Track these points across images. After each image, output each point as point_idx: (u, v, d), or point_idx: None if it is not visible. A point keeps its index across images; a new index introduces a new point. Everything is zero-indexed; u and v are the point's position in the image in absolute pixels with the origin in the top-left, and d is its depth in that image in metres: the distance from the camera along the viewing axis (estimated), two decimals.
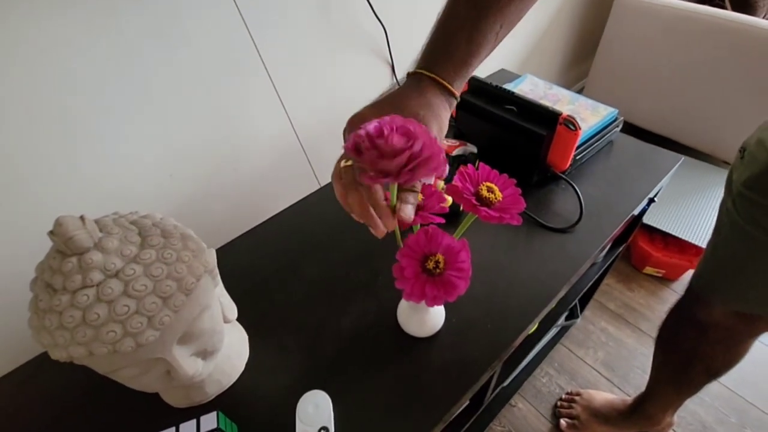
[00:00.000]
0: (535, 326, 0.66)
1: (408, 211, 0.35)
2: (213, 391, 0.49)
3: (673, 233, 1.23)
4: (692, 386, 0.81)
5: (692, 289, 0.70)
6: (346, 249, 0.66)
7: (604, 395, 1.06)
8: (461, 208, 0.37)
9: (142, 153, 0.68)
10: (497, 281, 0.60)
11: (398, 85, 0.54)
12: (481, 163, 0.40)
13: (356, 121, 0.40)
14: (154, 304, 0.34)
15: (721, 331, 0.67)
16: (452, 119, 0.90)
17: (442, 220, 0.37)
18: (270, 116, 0.82)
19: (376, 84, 0.99)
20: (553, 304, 0.59)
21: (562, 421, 1.04)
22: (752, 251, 0.55)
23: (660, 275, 1.34)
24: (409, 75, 0.43)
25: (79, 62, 0.55)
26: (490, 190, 0.38)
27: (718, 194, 1.35)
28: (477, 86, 0.76)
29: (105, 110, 0.60)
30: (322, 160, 0.96)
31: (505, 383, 0.87)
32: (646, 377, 1.12)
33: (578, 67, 1.80)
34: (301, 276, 0.63)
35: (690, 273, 1.30)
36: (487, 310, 0.57)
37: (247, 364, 0.53)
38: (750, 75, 1.26)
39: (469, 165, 0.40)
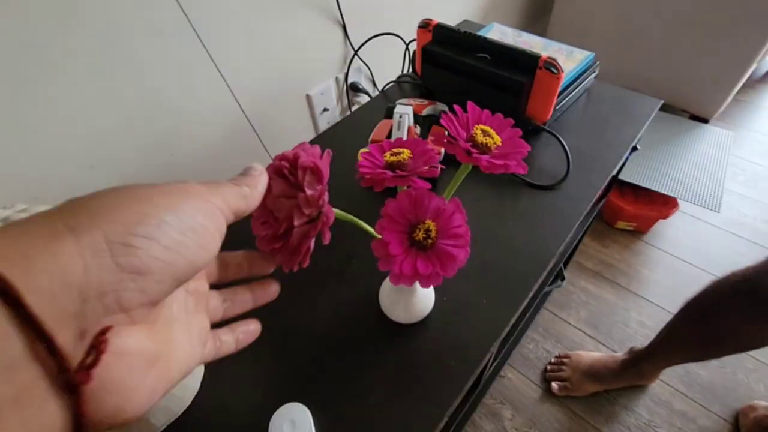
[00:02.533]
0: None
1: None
2: (161, 421, 0.40)
3: (645, 185, 1.22)
4: (710, 357, 0.79)
5: None
6: None
7: (592, 355, 1.04)
8: (457, 158, 0.29)
9: (53, 141, 0.55)
10: (487, 251, 0.53)
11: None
12: (470, 103, 0.32)
13: None
14: None
15: None
16: (416, 76, 0.82)
17: (428, 186, 0.29)
18: (207, 87, 0.70)
19: (325, 45, 0.88)
20: (549, 269, 0.53)
21: (554, 384, 1.02)
22: None
23: (631, 228, 1.34)
24: None
25: None
26: (486, 133, 0.30)
27: (683, 144, 1.35)
28: (443, 34, 0.67)
29: None
30: (273, 133, 0.85)
31: (498, 359, 0.82)
32: (629, 330, 1.13)
33: (540, 22, 1.75)
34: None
35: (661, 224, 1.31)
36: (479, 285, 0.50)
37: (202, 383, 0.43)
38: (712, 23, 1.25)
39: (455, 106, 0.32)
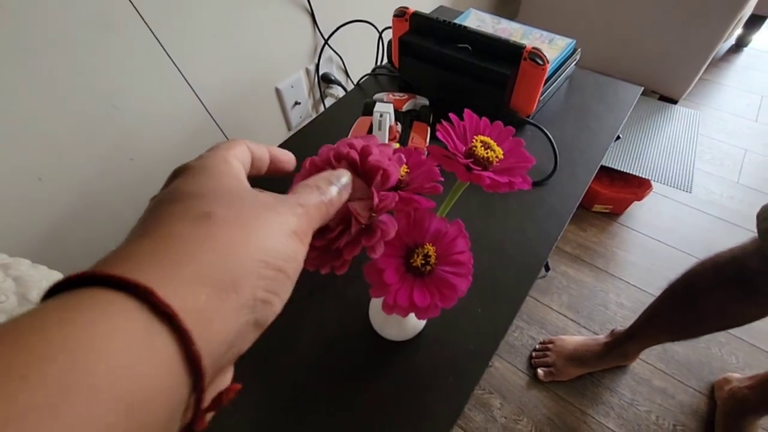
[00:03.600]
0: None
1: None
2: None
3: (620, 169, 1.24)
4: (693, 336, 0.80)
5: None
6: None
7: (575, 339, 1.06)
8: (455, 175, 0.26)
9: None
10: (479, 254, 0.51)
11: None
12: (468, 111, 0.28)
13: None
14: None
15: None
16: (395, 68, 0.78)
17: (433, 204, 0.26)
18: (164, 85, 0.64)
19: (293, 34, 0.82)
20: (542, 270, 0.52)
21: (539, 371, 1.04)
22: None
23: (608, 211, 1.36)
24: None
25: None
26: (486, 146, 0.27)
27: (654, 126, 1.37)
28: (420, 24, 0.63)
29: None
30: (242, 131, 0.79)
31: None
32: (608, 313, 1.15)
33: (513, 2, 1.72)
34: None
35: (635, 206, 1.34)
36: (474, 291, 0.47)
37: None
38: (680, 4, 1.25)
39: (450, 114, 0.28)
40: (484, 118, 0.29)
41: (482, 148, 0.26)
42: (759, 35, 1.95)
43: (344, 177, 0.20)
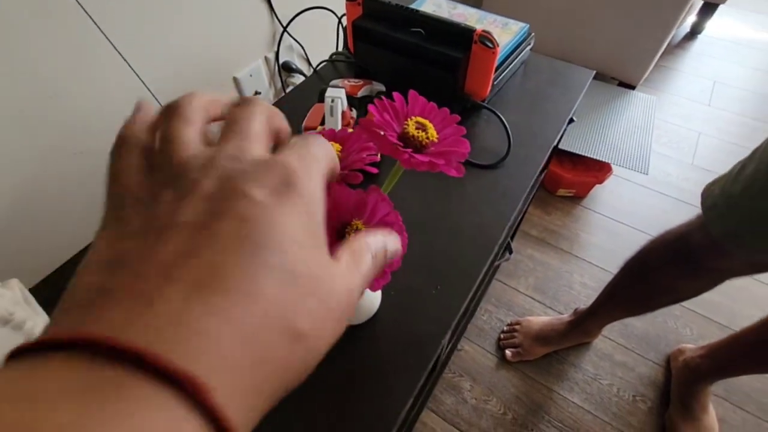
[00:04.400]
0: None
1: None
2: None
3: (582, 153, 1.27)
4: (649, 310, 0.84)
5: (710, 238, 0.60)
6: None
7: (540, 319, 1.09)
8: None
9: None
10: (434, 237, 0.52)
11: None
12: (413, 93, 0.28)
13: None
14: None
15: (720, 273, 0.65)
16: (349, 53, 0.77)
17: (375, 170, 0.25)
18: (109, 74, 0.61)
19: (250, 21, 0.80)
20: (497, 249, 0.53)
21: (507, 352, 1.06)
22: None
23: (571, 194, 1.40)
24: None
25: None
26: (420, 126, 0.27)
27: (614, 111, 1.41)
28: (373, 8, 0.62)
29: None
30: None
31: (455, 336, 0.83)
32: (573, 293, 1.19)
33: None
34: None
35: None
36: (428, 273, 0.48)
37: None
38: None
39: (395, 93, 0.28)
40: (431, 103, 0.29)
41: (415, 127, 0.26)
42: (712, 23, 2.04)
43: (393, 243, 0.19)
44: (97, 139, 0.63)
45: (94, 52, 0.57)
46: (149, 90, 0.66)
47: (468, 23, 0.69)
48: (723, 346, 0.90)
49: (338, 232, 0.26)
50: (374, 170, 0.26)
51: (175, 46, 0.68)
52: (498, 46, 0.55)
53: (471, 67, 0.58)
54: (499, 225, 0.53)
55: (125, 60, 0.61)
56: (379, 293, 0.44)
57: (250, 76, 0.85)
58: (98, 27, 0.56)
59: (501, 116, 0.60)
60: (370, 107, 0.27)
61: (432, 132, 0.27)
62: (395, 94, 0.29)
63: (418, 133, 0.26)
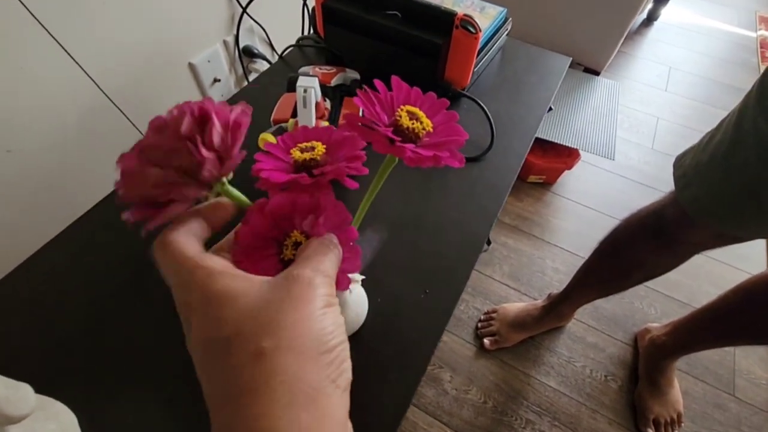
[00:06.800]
0: None
1: None
2: None
3: (551, 139, 1.28)
4: (621, 289, 0.85)
5: (682, 211, 0.60)
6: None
7: (516, 306, 1.10)
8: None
9: None
10: (418, 237, 0.49)
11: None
12: (396, 79, 0.25)
13: None
14: None
15: (689, 247, 0.65)
16: (319, 38, 0.72)
17: (355, 185, 0.21)
18: (43, 62, 0.53)
19: (204, 1, 0.72)
20: (484, 245, 0.51)
21: (485, 340, 1.07)
22: None
23: (541, 181, 1.42)
24: None
25: None
26: (413, 116, 0.23)
27: (580, 97, 1.43)
28: None
29: None
30: (151, 112, 0.69)
31: None
32: (546, 278, 1.21)
33: None
34: (146, 297, 0.43)
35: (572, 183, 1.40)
36: (415, 276, 0.45)
37: None
38: None
39: (376, 81, 0.24)
40: (415, 88, 0.25)
41: (408, 117, 0.23)
42: (667, 9, 2.10)
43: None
44: (29, 135, 0.55)
45: (22, 37, 0.49)
46: (91, 78, 0.58)
47: (444, 6, 0.65)
48: (685, 323, 0.94)
49: (277, 243, 0.21)
50: (355, 185, 0.22)
51: (120, 28, 0.60)
52: (480, 31, 0.51)
53: (452, 54, 0.55)
54: (483, 220, 0.51)
55: (58, 42, 0.53)
56: (365, 301, 0.41)
57: (208, 61, 0.78)
58: (27, 8, 0.48)
59: (484, 106, 0.58)
60: (356, 100, 0.24)
61: (426, 122, 0.24)
62: (378, 84, 0.25)
63: (413, 124, 0.23)
